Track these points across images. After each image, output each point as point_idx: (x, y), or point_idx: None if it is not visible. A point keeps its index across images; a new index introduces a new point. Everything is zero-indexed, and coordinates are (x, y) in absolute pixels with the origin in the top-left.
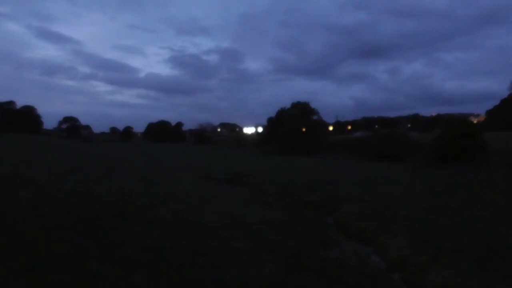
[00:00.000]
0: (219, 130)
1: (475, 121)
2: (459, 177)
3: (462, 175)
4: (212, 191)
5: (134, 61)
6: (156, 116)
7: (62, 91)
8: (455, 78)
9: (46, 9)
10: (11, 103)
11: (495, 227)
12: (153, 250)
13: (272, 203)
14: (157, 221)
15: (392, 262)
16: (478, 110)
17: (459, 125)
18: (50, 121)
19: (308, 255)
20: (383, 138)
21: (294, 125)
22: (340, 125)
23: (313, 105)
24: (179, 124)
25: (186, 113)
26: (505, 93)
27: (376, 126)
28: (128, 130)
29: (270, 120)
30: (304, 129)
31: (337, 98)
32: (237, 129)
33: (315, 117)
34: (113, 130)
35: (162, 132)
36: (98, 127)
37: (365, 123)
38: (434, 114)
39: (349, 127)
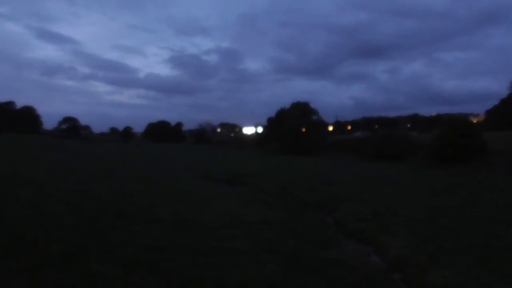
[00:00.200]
0: (219, 130)
1: (474, 121)
2: (459, 177)
3: (462, 175)
4: (212, 191)
5: (134, 61)
6: (156, 116)
7: (62, 91)
8: (454, 78)
9: (45, 9)
10: (11, 103)
11: (495, 227)
12: (153, 250)
13: (272, 203)
14: (157, 221)
15: (392, 262)
16: (478, 110)
17: (459, 125)
18: (50, 121)
19: (308, 255)
20: (383, 138)
21: (294, 125)
22: (340, 125)
23: (313, 105)
24: (179, 124)
25: (186, 113)
26: (504, 93)
27: (376, 126)
28: (128, 130)
29: (270, 120)
30: (304, 129)
31: (337, 98)
32: (237, 129)
33: (315, 117)
34: (113, 130)
35: (162, 132)
36: (98, 127)
37: (365, 123)
38: (434, 114)
39: (349, 127)
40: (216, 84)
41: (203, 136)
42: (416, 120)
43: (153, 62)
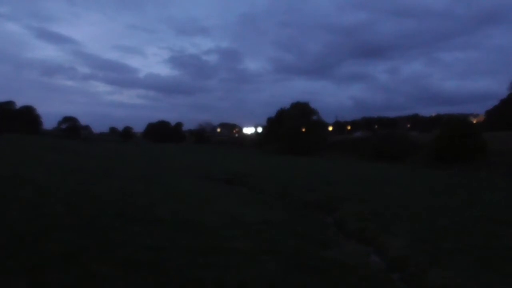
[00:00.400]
0: (219, 130)
1: (474, 121)
2: (458, 177)
3: (462, 175)
4: (212, 191)
5: (134, 61)
6: (156, 116)
7: (62, 91)
8: (454, 78)
9: (45, 10)
10: (10, 103)
11: (495, 227)
12: (153, 250)
13: (272, 203)
14: (157, 221)
15: (392, 262)
16: (478, 110)
17: (459, 125)
18: (49, 121)
19: (308, 255)
20: (383, 138)
21: (293, 125)
22: (339, 125)
23: (312, 105)
24: (178, 124)
25: (186, 113)
26: (504, 93)
27: (376, 126)
28: (127, 130)
29: (269, 120)
30: (303, 129)
31: (336, 98)
32: (237, 129)
33: (314, 117)
34: (113, 130)
35: (162, 132)
36: (98, 127)
37: (365, 123)
38: (433, 114)
39: (349, 127)
40: (216, 84)
41: (203, 136)
42: (416, 120)
43: (153, 62)
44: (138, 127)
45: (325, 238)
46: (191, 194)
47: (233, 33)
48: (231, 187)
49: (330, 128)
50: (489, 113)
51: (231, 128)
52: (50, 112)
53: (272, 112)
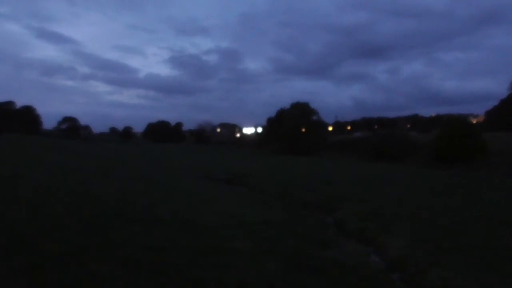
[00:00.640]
0: (218, 130)
1: (474, 122)
2: (458, 177)
3: (462, 175)
4: (212, 191)
5: (134, 61)
6: (156, 116)
7: (62, 91)
8: (454, 78)
9: (45, 10)
10: (10, 103)
11: (495, 227)
12: (153, 250)
13: (272, 203)
14: (157, 221)
15: (392, 262)
16: (478, 111)
17: (459, 126)
18: (49, 121)
19: (308, 255)
20: (383, 138)
21: (294, 125)
22: (339, 125)
23: (312, 105)
24: (178, 124)
25: (186, 113)
26: (504, 94)
27: (376, 126)
28: (127, 130)
29: (269, 120)
30: (303, 129)
31: (336, 98)
32: (237, 129)
33: (314, 117)
34: (113, 130)
35: (161, 132)
36: (98, 127)
37: (365, 123)
38: (433, 114)
39: (349, 127)
40: (216, 84)
41: (203, 136)
42: (415, 120)
43: (153, 62)
44: (138, 127)
45: (325, 238)
46: (191, 194)
47: (233, 33)
48: (231, 187)
49: (330, 128)
50: (489, 113)
51: (231, 128)
52: (50, 112)
53: (272, 112)
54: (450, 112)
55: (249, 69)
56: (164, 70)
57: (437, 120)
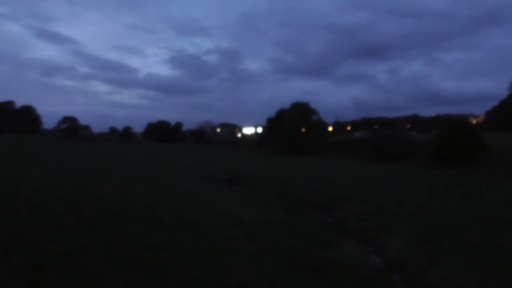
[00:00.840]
0: (218, 130)
1: (474, 122)
2: (458, 177)
3: (462, 175)
4: (212, 191)
5: (134, 61)
6: (156, 116)
7: (62, 91)
8: (454, 78)
9: (45, 9)
10: (10, 103)
11: (495, 227)
12: (153, 250)
13: (272, 203)
14: (157, 221)
15: (392, 262)
16: (477, 111)
17: (459, 126)
18: (49, 121)
19: (308, 255)
20: (383, 139)
21: (294, 125)
22: (339, 125)
23: (312, 105)
24: (178, 124)
25: (186, 113)
26: (504, 94)
27: (376, 127)
28: (127, 130)
29: (269, 120)
30: (303, 129)
31: (336, 98)
32: (237, 129)
33: (314, 117)
34: (113, 130)
35: (161, 132)
36: (98, 127)
37: (365, 124)
38: (433, 114)
39: (349, 128)
40: (216, 84)
41: (203, 136)
42: (415, 120)
43: (153, 62)
44: (138, 127)
45: (325, 238)
46: (191, 194)
47: (233, 33)
48: (231, 187)
49: (330, 128)
50: (489, 113)
51: (231, 128)
52: (50, 112)
53: (272, 112)
54: (450, 112)
55: (249, 69)
56: (164, 70)
57: (437, 120)
